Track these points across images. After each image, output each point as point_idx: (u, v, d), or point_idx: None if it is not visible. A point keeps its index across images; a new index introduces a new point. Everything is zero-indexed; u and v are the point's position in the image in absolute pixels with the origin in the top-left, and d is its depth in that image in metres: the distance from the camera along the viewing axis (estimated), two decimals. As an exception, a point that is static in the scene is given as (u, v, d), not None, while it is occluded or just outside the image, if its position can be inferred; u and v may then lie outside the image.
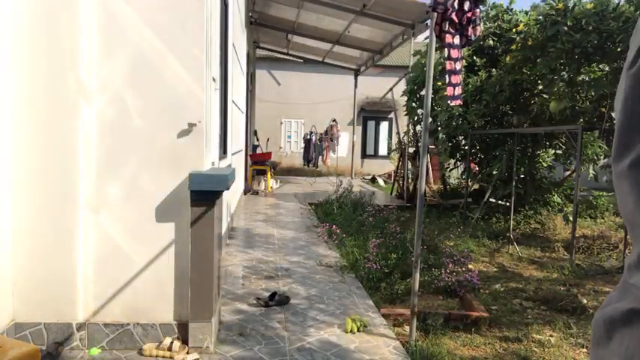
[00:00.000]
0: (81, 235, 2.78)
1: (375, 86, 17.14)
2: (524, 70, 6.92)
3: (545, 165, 8.18)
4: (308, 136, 14.52)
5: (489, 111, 7.75)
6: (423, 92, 8.76)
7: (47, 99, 2.69)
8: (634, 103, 0.64)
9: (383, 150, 18.45)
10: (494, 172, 7.68)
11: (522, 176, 7.89)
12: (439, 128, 8.53)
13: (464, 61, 7.90)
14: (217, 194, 2.86)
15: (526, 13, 7.82)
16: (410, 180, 10.06)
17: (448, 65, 3.19)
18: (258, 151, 12.81)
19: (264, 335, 3.15)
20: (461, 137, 8.83)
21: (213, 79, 3.37)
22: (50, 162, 2.72)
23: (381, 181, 15.12)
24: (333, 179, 11.79)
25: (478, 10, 3.12)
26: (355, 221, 6.97)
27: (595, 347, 0.68)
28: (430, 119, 5.82)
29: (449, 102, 3.37)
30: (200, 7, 2.78)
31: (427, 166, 9.48)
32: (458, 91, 3.27)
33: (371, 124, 18.72)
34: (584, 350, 3.36)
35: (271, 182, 11.58)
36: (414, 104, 9.39)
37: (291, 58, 15.13)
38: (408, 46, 9.90)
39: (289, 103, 17.72)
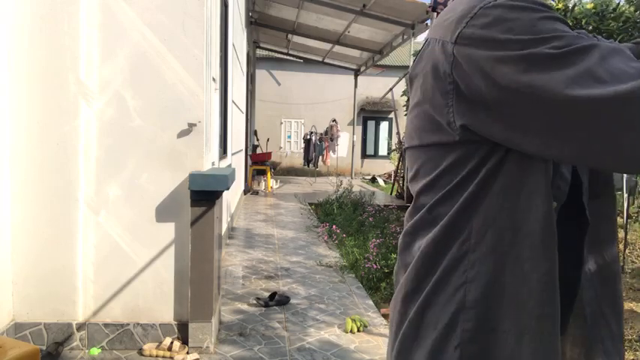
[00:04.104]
0: (81, 235, 2.78)
1: (375, 86, 17.14)
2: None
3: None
4: (308, 136, 14.52)
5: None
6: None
7: (47, 99, 2.69)
8: (416, 103, 0.85)
9: (383, 150, 18.44)
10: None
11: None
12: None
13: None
14: (217, 194, 2.86)
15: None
16: (410, 180, 10.05)
17: None
18: (258, 151, 12.80)
19: (264, 335, 3.15)
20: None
21: (213, 79, 3.37)
22: (50, 162, 2.72)
23: (381, 181, 15.12)
24: (333, 179, 11.79)
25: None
26: (355, 221, 6.97)
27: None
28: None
29: None
30: (200, 7, 2.78)
31: (427, 166, 9.45)
32: None
33: (371, 124, 18.72)
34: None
35: (271, 182, 11.59)
36: (414, 104, 9.37)
37: (291, 58, 15.13)
38: (408, 46, 9.90)
39: (289, 103, 17.71)
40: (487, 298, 0.76)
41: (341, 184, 9.47)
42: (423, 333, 0.80)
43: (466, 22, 0.73)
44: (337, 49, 12.16)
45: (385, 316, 3.62)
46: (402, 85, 10.89)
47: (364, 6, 8.37)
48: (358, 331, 3.27)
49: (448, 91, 0.76)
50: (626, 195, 5.53)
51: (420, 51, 0.85)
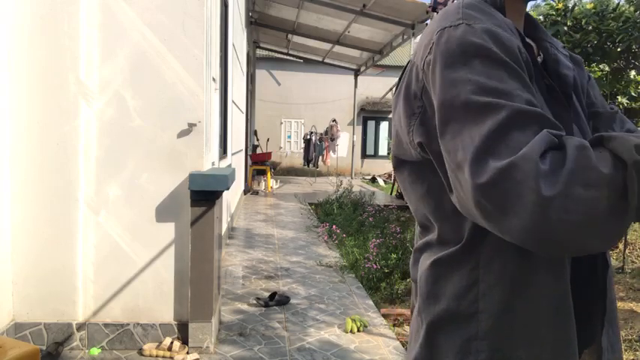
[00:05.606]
0: (81, 235, 2.78)
1: (375, 86, 17.14)
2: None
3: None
4: (308, 136, 14.52)
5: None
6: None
7: (47, 99, 2.69)
8: (394, 119, 0.87)
9: (383, 150, 18.43)
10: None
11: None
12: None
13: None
14: (217, 194, 2.86)
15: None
16: (410, 180, 10.04)
17: None
18: (258, 151, 12.80)
19: (264, 335, 3.15)
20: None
21: (213, 79, 3.37)
22: (50, 162, 2.72)
23: (381, 181, 15.12)
24: (333, 179, 11.79)
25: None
26: (355, 221, 6.97)
27: None
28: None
29: None
30: (200, 7, 2.78)
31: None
32: None
33: (371, 124, 18.72)
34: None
35: (271, 182, 11.58)
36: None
37: (291, 58, 15.12)
38: (408, 46, 9.90)
39: (289, 103, 17.71)
40: (499, 327, 0.75)
41: (341, 184, 9.47)
42: (436, 357, 0.80)
43: (430, 47, 0.74)
44: (337, 49, 12.16)
45: (385, 316, 3.62)
46: (402, 85, 10.86)
47: (364, 6, 8.37)
48: (358, 331, 3.27)
49: (415, 113, 0.78)
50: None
51: (402, 71, 0.87)
